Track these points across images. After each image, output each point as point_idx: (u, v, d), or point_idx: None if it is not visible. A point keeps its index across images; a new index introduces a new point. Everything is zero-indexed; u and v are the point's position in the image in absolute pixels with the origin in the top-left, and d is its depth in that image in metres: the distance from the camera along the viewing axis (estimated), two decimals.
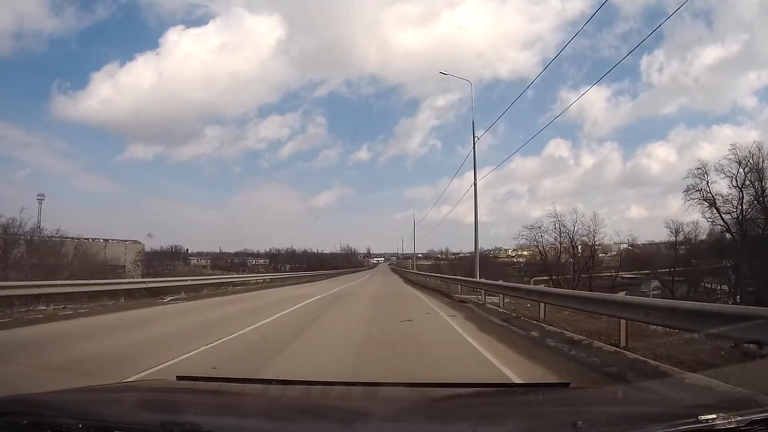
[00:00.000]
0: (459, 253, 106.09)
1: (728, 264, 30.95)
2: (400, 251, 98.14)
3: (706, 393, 3.56)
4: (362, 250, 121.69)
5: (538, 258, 35.69)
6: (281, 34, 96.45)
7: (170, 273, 43.30)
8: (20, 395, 1.76)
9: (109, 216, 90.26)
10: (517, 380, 4.40)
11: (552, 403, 1.99)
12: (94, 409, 1.64)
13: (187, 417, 1.48)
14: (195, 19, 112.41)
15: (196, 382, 2.55)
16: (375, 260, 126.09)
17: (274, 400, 2.04)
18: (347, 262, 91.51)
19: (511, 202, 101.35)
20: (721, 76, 77.15)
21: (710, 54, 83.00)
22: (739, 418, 1.30)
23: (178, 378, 2.48)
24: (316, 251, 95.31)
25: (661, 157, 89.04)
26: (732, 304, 22.38)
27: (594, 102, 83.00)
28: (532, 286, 12.92)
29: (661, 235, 39.54)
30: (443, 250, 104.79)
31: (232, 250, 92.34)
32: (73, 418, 1.37)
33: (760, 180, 28.43)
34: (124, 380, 4.03)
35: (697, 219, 32.56)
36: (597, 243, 34.04)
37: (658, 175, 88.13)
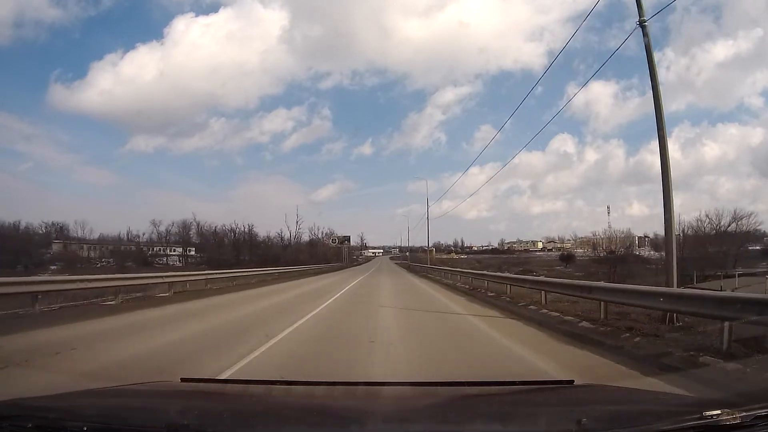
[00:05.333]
0: (471, 246, 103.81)
1: None
2: (401, 243, 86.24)
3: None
4: (355, 239, 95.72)
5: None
6: (287, 24, 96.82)
7: None
8: (24, 398, 1.77)
9: (110, 208, 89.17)
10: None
11: (556, 400, 1.98)
12: (99, 411, 1.64)
13: (192, 419, 1.49)
14: (204, 8, 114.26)
15: (200, 383, 2.57)
16: (372, 252, 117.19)
17: (277, 400, 2.04)
18: (307, 256, 57.23)
19: (513, 198, 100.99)
20: (729, 74, 76.78)
21: (718, 52, 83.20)
22: (744, 413, 1.30)
23: (182, 380, 2.49)
24: (244, 229, 59.04)
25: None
26: None
27: (600, 98, 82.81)
28: None
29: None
30: (455, 243, 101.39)
31: None
32: (77, 421, 1.38)
33: None
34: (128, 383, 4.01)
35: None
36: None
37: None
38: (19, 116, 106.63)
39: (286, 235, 63.74)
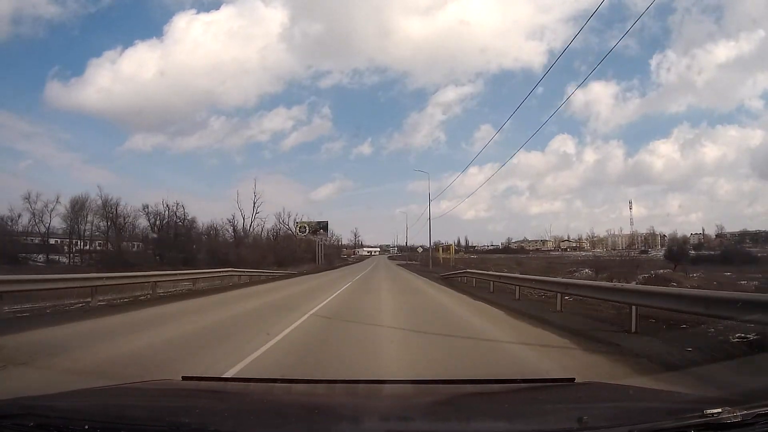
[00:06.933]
0: (475, 246, 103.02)
1: None
2: (404, 242, 78.60)
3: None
4: (348, 236, 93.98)
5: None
6: (287, 21, 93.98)
7: None
8: (25, 397, 1.77)
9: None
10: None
11: (557, 398, 1.98)
12: (101, 410, 1.65)
13: (193, 417, 1.49)
14: (205, 5, 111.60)
15: (201, 382, 2.57)
16: (367, 251, 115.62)
17: (278, 399, 2.05)
18: (265, 252, 39.54)
19: (512, 199, 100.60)
20: (729, 76, 76.58)
21: (719, 53, 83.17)
22: (745, 412, 1.30)
23: (184, 378, 2.50)
24: (170, 211, 39.58)
25: (664, 155, 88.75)
26: None
27: (600, 98, 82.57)
28: None
29: None
30: (458, 242, 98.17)
31: None
32: (79, 420, 1.38)
33: None
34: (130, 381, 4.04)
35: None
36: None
37: (660, 173, 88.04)
38: (19, 114, 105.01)
39: (240, 222, 42.26)
